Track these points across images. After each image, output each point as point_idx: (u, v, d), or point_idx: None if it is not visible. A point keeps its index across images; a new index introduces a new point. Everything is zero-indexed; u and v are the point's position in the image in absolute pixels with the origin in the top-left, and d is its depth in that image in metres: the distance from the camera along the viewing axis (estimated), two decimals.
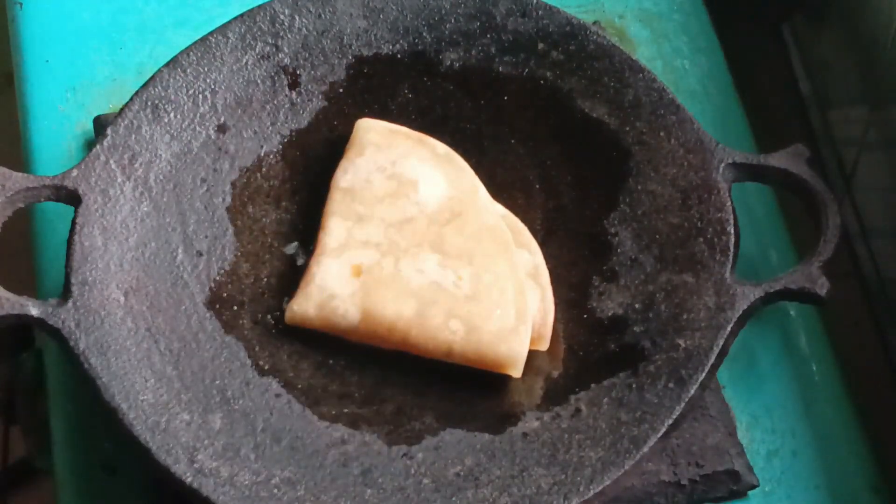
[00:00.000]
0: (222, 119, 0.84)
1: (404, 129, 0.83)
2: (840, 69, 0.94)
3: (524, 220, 0.83)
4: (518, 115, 0.86)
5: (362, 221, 0.80)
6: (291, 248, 0.82)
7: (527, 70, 0.86)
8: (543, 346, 0.79)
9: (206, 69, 0.84)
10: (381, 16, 0.86)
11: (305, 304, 0.78)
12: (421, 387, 0.78)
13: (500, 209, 0.82)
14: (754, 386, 0.82)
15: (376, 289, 0.78)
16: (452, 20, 0.86)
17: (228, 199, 0.83)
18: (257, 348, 0.79)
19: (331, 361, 0.79)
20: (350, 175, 0.82)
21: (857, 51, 0.91)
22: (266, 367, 0.78)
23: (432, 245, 0.79)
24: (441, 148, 0.83)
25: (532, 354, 0.78)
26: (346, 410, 0.77)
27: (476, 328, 0.77)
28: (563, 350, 0.79)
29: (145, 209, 0.80)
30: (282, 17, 0.85)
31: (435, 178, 0.82)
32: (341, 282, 0.78)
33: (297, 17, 0.85)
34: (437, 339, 0.77)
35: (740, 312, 0.76)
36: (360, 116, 0.85)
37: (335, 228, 0.80)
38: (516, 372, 0.77)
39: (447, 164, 0.82)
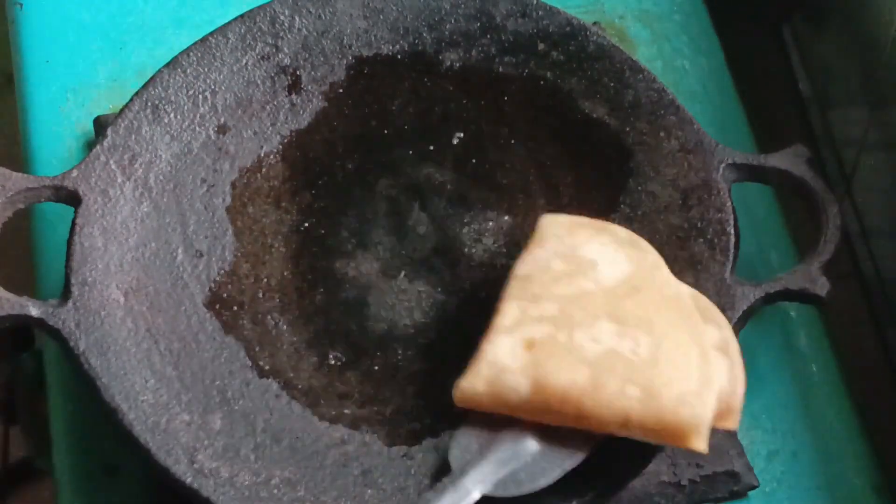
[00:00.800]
0: (222, 119, 0.84)
1: (587, 219, 0.79)
2: (840, 69, 0.94)
3: (524, 220, 0.83)
4: (518, 116, 0.86)
5: (538, 300, 0.74)
6: (289, 248, 0.82)
7: (527, 70, 0.86)
8: (732, 423, 0.71)
9: (206, 69, 0.84)
10: (381, 16, 0.86)
11: (475, 381, 0.72)
12: (421, 387, 0.78)
13: (686, 289, 0.76)
14: (754, 386, 0.82)
15: (549, 359, 0.72)
16: (452, 20, 0.86)
17: (228, 199, 0.83)
18: (257, 348, 0.79)
19: (331, 361, 0.79)
20: (529, 265, 0.76)
21: (857, 51, 0.91)
22: (266, 368, 0.78)
23: (609, 316, 0.73)
24: (623, 232, 0.78)
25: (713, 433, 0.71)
26: (346, 411, 0.77)
27: (655, 394, 0.70)
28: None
29: (145, 210, 0.80)
30: (282, 17, 0.85)
31: (615, 258, 0.76)
32: (513, 356, 0.72)
33: (297, 18, 0.85)
34: (612, 407, 0.70)
35: (740, 313, 0.76)
36: (361, 117, 0.85)
37: (510, 310, 0.74)
38: (700, 441, 0.69)
39: (629, 246, 0.77)
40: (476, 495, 0.69)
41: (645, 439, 0.70)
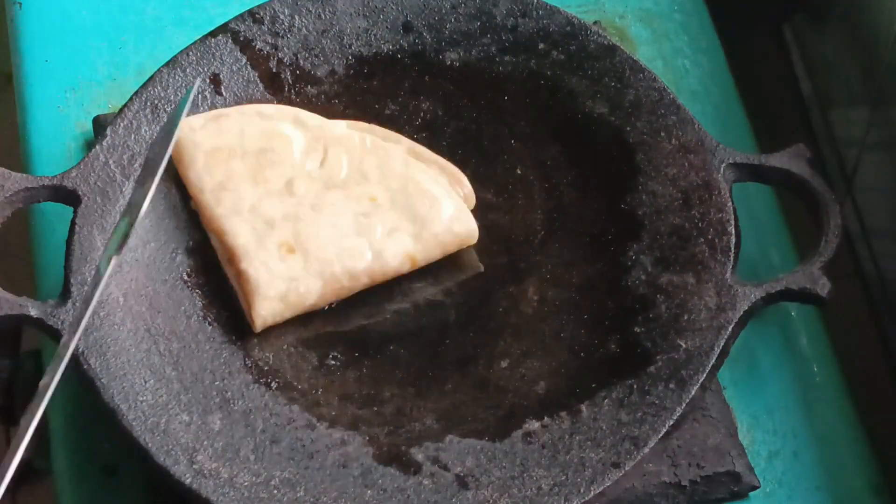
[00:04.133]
0: None
1: (218, 111, 0.83)
2: (841, 69, 0.94)
3: (524, 221, 0.83)
4: (518, 115, 0.86)
5: (255, 208, 0.80)
6: None
7: (527, 70, 0.85)
8: (472, 203, 0.82)
9: (205, 69, 0.83)
10: (382, 15, 0.86)
11: (268, 304, 0.78)
12: (421, 387, 0.78)
13: (343, 123, 0.83)
14: (755, 387, 0.82)
15: (318, 250, 0.79)
16: (453, 20, 0.86)
17: None
18: (257, 349, 0.79)
19: (331, 362, 0.79)
20: (207, 176, 0.81)
21: (858, 51, 0.91)
22: (266, 368, 0.78)
23: (327, 188, 0.81)
24: (266, 108, 0.83)
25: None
26: (345, 411, 0.77)
27: (422, 228, 0.80)
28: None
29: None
30: (282, 17, 0.85)
31: (283, 134, 0.82)
32: (283, 265, 0.78)
33: (297, 17, 0.85)
34: (397, 258, 0.80)
35: (741, 313, 0.76)
36: (361, 116, 0.85)
37: (236, 227, 0.79)
38: (475, 239, 0.81)
39: (281, 117, 0.83)
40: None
41: (433, 261, 0.81)
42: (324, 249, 0.79)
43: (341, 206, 0.80)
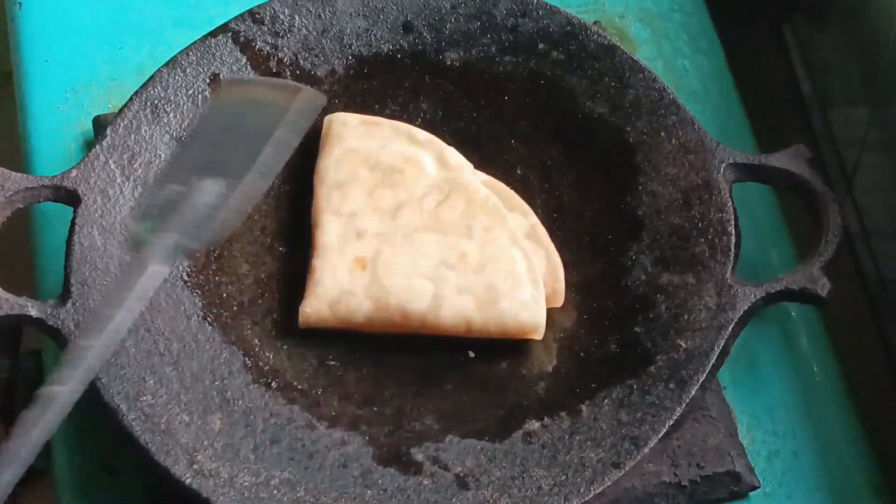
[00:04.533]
0: None
1: (379, 118, 0.84)
2: (841, 69, 0.94)
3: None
4: (518, 115, 0.86)
5: (355, 217, 0.80)
6: (288, 247, 0.82)
7: (527, 70, 0.85)
8: (558, 302, 0.80)
9: (205, 69, 0.83)
10: (382, 15, 0.86)
11: (318, 305, 0.78)
12: (421, 388, 0.78)
13: (482, 177, 0.82)
14: (755, 387, 0.82)
15: (385, 277, 0.78)
16: (453, 20, 0.86)
17: None
18: (257, 349, 0.79)
19: (331, 362, 0.79)
20: (333, 171, 0.82)
21: (858, 51, 0.91)
22: (266, 368, 0.78)
23: (428, 228, 0.80)
24: (421, 134, 0.83)
25: (548, 313, 0.79)
26: (346, 411, 0.77)
27: (492, 300, 0.78)
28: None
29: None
30: (282, 17, 0.85)
31: (419, 163, 0.82)
32: (349, 276, 0.78)
33: (297, 17, 0.85)
34: (453, 318, 0.78)
35: (741, 313, 0.76)
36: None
37: (330, 225, 0.80)
38: (539, 335, 0.78)
39: (429, 147, 0.82)
40: (164, 274, 0.68)
41: (488, 336, 0.78)
42: (390, 278, 0.78)
43: (431, 248, 0.79)
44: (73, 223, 0.78)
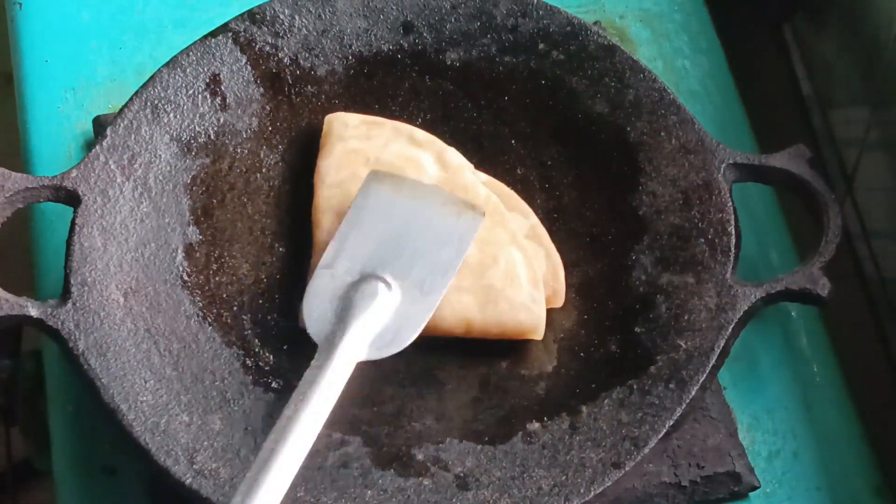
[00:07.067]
0: (222, 119, 0.84)
1: (379, 118, 0.83)
2: (841, 69, 0.94)
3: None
4: (518, 116, 0.86)
5: None
6: (288, 248, 0.82)
7: (527, 70, 0.85)
8: (558, 302, 0.80)
9: (205, 69, 0.83)
10: (382, 15, 0.86)
11: None
12: (421, 388, 0.78)
13: (483, 177, 0.82)
14: (755, 387, 0.82)
15: None
16: (453, 20, 0.86)
17: (228, 199, 0.83)
18: (257, 349, 0.79)
19: None
20: (333, 171, 0.81)
21: (858, 51, 0.91)
22: (266, 368, 0.78)
23: None
24: (421, 134, 0.83)
25: (549, 314, 0.79)
26: (345, 411, 0.77)
27: (492, 301, 0.78)
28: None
29: (145, 210, 0.80)
30: (282, 17, 0.85)
31: (420, 164, 0.81)
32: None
33: (297, 17, 0.85)
34: (454, 318, 0.78)
35: (741, 313, 0.76)
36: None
37: (326, 224, 0.80)
38: (538, 336, 0.78)
39: (429, 148, 0.82)
40: (352, 366, 0.69)
41: (488, 337, 0.78)
42: None
43: None
44: (73, 223, 0.78)
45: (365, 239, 0.75)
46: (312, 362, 0.69)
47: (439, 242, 0.75)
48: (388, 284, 0.74)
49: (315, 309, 0.73)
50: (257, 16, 0.85)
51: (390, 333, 0.72)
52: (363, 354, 0.71)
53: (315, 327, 0.72)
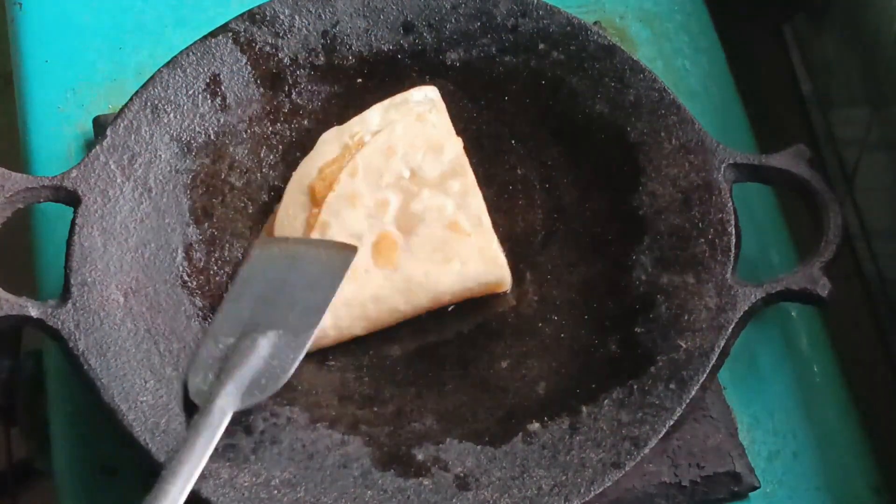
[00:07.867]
0: (222, 119, 0.84)
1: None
2: (841, 69, 0.94)
3: (524, 221, 0.83)
4: (518, 116, 0.86)
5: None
6: None
7: (527, 70, 0.85)
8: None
9: (205, 69, 0.83)
10: (382, 16, 0.86)
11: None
12: (421, 387, 0.78)
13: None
14: (755, 387, 0.82)
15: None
16: (453, 20, 0.86)
17: (228, 199, 0.83)
18: None
19: (331, 362, 0.79)
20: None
21: (858, 51, 0.91)
22: None
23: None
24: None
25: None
26: (346, 411, 0.77)
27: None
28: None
29: (145, 210, 0.80)
30: (282, 17, 0.85)
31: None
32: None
33: (297, 17, 0.85)
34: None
35: (741, 313, 0.76)
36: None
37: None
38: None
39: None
40: (228, 416, 0.72)
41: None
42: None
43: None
44: (73, 223, 0.78)
45: (246, 303, 0.77)
46: (191, 421, 0.73)
47: (313, 286, 0.77)
48: (264, 336, 0.75)
49: (198, 374, 0.75)
50: (257, 16, 0.85)
51: (264, 379, 0.74)
52: (238, 405, 0.74)
53: (194, 390, 0.75)
